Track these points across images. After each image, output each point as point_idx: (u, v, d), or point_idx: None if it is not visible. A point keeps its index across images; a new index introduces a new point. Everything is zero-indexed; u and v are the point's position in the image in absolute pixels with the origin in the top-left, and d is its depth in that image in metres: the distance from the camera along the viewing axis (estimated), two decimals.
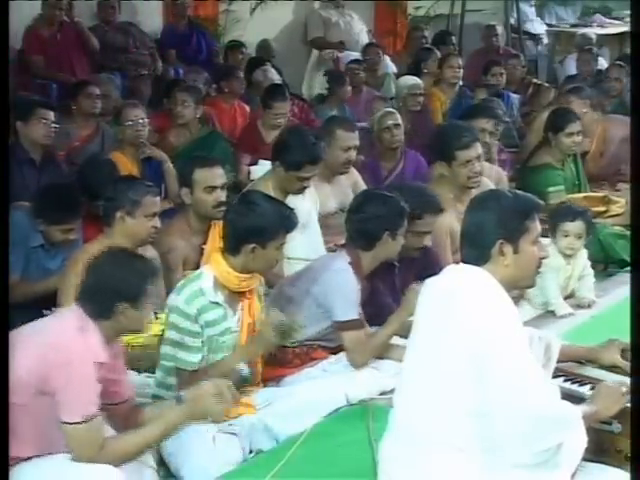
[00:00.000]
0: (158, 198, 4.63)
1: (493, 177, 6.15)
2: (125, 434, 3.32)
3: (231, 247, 3.90)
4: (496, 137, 6.44)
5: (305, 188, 5.32)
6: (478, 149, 5.40)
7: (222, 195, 4.85)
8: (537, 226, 3.05)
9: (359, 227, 4.36)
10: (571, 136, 6.43)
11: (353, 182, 5.90)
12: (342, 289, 4.20)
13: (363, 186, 5.89)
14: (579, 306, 4.98)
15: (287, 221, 3.96)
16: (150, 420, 3.39)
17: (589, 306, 5.00)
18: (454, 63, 8.56)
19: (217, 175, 4.88)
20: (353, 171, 5.96)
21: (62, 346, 3.15)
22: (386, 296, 4.60)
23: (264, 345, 3.90)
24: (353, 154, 5.78)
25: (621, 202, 6.27)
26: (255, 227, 3.85)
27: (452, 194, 5.26)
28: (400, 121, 6.57)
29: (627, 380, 3.15)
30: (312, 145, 5.29)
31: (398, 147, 6.56)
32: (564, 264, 5.01)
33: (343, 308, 4.20)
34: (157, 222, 4.55)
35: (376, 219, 4.31)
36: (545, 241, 4.88)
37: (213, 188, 4.83)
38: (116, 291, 3.26)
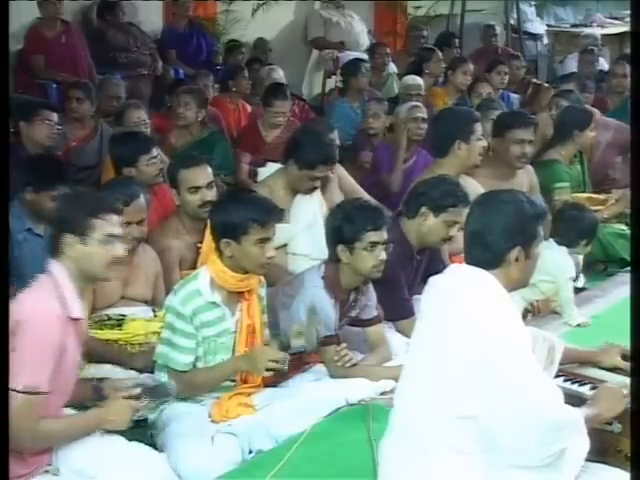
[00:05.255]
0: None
1: (528, 179, 6.10)
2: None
3: (216, 246, 3.90)
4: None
5: (315, 188, 5.33)
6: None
7: (208, 194, 4.82)
8: (542, 230, 3.05)
9: (325, 238, 4.30)
10: (592, 131, 6.54)
11: (337, 177, 5.86)
12: (312, 307, 4.09)
13: (348, 178, 5.92)
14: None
15: (257, 214, 3.84)
16: None
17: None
18: (467, 69, 8.51)
19: (200, 175, 4.85)
20: (336, 166, 5.93)
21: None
22: (405, 289, 4.60)
23: (253, 368, 3.86)
24: None
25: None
26: (223, 221, 3.86)
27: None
28: (426, 116, 6.68)
29: (627, 381, 3.16)
30: (327, 145, 5.32)
31: (418, 140, 6.65)
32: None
33: None
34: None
35: (330, 232, 4.23)
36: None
37: (197, 188, 4.81)
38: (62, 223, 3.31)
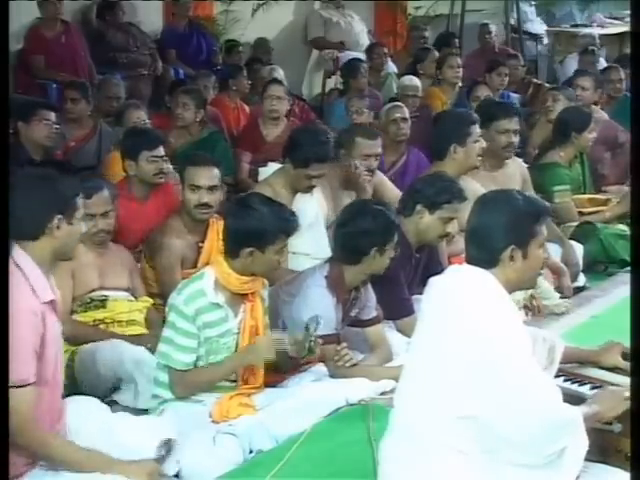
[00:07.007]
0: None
1: (520, 172, 6.09)
2: None
3: (230, 250, 3.89)
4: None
5: (313, 187, 5.33)
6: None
7: (206, 196, 4.78)
8: (544, 230, 3.04)
9: (345, 242, 4.26)
10: (591, 132, 6.47)
11: (378, 183, 5.78)
12: (313, 306, 4.10)
13: (388, 185, 5.85)
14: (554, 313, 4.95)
15: (286, 225, 3.92)
16: None
17: (562, 312, 4.96)
18: (453, 63, 8.54)
19: (203, 175, 4.82)
20: (377, 173, 5.83)
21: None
22: (405, 288, 4.60)
23: (257, 357, 3.88)
24: (374, 163, 5.68)
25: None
26: (253, 231, 3.83)
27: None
28: (407, 115, 6.67)
29: (627, 380, 3.15)
30: (321, 143, 5.30)
31: (403, 140, 6.62)
32: None
33: None
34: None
35: (364, 234, 4.21)
36: None
37: (197, 187, 4.79)
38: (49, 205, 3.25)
